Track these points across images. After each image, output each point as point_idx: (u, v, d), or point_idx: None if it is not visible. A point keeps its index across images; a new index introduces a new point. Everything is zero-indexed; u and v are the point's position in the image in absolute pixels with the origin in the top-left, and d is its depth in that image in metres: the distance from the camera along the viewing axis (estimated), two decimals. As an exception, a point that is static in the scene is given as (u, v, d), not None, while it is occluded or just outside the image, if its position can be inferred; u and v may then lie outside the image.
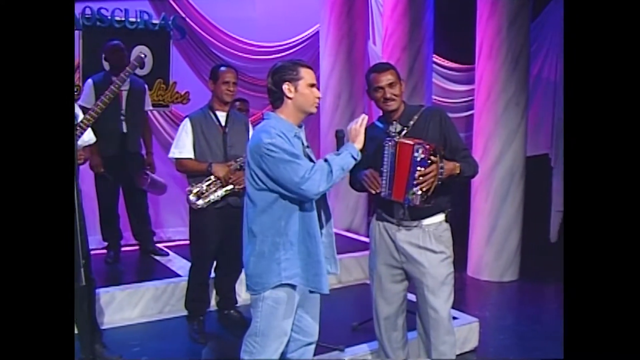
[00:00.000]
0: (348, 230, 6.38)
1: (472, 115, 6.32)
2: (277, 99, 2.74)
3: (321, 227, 2.83)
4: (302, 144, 2.77)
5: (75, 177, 2.19)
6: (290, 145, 2.64)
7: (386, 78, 3.14)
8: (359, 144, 2.72)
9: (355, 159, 2.70)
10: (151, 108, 5.45)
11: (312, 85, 2.72)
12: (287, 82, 2.70)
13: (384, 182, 3.10)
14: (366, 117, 2.76)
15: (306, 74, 2.72)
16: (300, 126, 2.80)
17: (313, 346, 2.97)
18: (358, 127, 2.73)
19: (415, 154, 2.98)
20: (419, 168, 2.98)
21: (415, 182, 2.99)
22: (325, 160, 2.63)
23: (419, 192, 3.00)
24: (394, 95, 3.14)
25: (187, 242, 4.16)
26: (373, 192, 3.12)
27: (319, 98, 2.75)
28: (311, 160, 2.78)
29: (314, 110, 2.76)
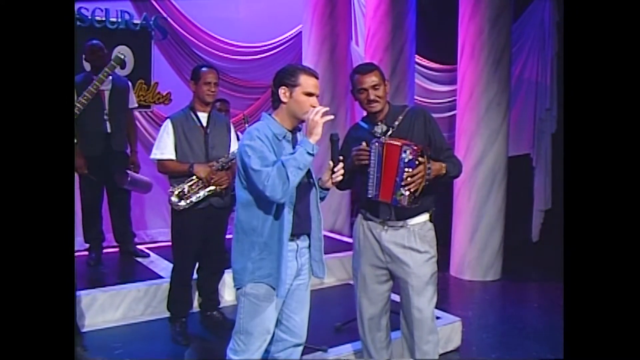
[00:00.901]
0: (331, 231, 6.37)
1: (454, 115, 6.34)
2: (274, 101, 2.76)
3: (312, 230, 2.87)
4: (295, 148, 2.77)
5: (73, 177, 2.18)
6: (269, 149, 2.64)
7: (370, 80, 3.13)
8: (315, 136, 2.62)
9: (311, 154, 2.62)
10: (136, 106, 5.38)
11: (309, 94, 2.69)
12: (283, 86, 2.70)
13: (370, 183, 3.10)
14: (326, 110, 2.66)
15: (305, 81, 2.69)
16: (296, 130, 2.81)
17: (301, 348, 2.96)
18: (317, 118, 2.62)
19: (403, 155, 2.98)
20: (406, 169, 2.98)
21: (403, 183, 3.00)
22: (282, 163, 2.59)
23: (407, 193, 3.01)
24: (378, 97, 3.14)
25: (170, 243, 4.14)
26: (365, 162, 3.09)
27: (314, 107, 2.69)
28: None
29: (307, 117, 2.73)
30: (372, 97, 3.13)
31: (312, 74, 2.74)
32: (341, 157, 2.89)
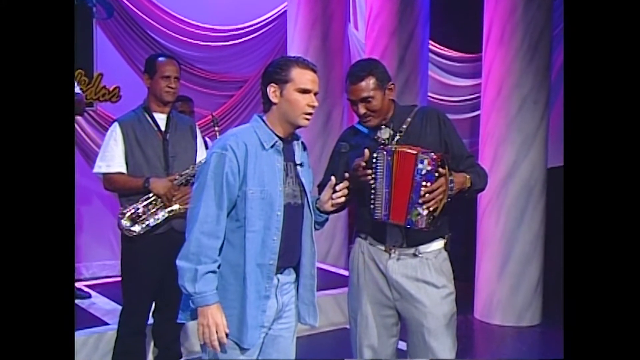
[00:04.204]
0: (323, 262, 6.38)
1: (478, 116, 6.38)
2: (265, 102, 2.82)
3: (302, 264, 2.91)
4: (289, 159, 2.82)
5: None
6: (236, 167, 2.69)
7: (359, 90, 3.16)
8: (201, 319, 2.72)
9: (191, 304, 2.75)
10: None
11: (304, 91, 2.75)
12: (273, 84, 2.76)
13: (377, 201, 3.12)
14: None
15: (298, 76, 2.75)
16: (292, 139, 2.86)
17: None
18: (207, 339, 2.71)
19: (420, 166, 3.01)
20: (424, 183, 3.01)
21: (420, 201, 3.03)
22: (197, 264, 2.67)
23: (425, 212, 3.03)
24: (371, 111, 3.18)
25: (118, 279, 4.14)
26: (371, 178, 3.09)
27: (312, 107, 2.76)
28: (301, 183, 2.85)
29: (303, 122, 2.78)
30: (361, 111, 3.19)
31: (308, 66, 2.80)
32: (347, 174, 2.92)
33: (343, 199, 2.90)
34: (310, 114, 2.77)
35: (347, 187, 2.91)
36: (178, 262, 2.71)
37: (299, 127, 2.81)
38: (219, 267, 2.73)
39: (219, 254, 2.72)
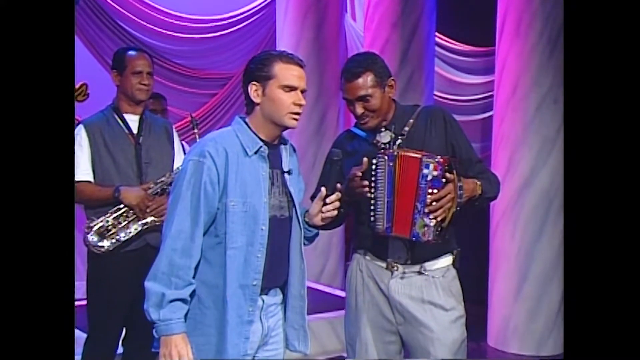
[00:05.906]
0: (317, 282, 6.37)
1: (490, 118, 6.39)
2: (247, 103, 2.83)
3: (289, 283, 2.90)
4: (275, 166, 2.83)
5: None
6: (216, 176, 2.69)
7: (356, 88, 3.17)
8: (165, 346, 2.71)
9: (154, 333, 2.75)
10: None
11: (288, 88, 2.75)
12: (254, 82, 2.77)
13: (379, 211, 3.12)
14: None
15: (281, 72, 2.75)
16: (278, 143, 2.87)
17: None
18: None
19: (425, 171, 3.02)
20: (430, 190, 3.02)
21: (426, 210, 3.03)
22: (177, 285, 2.67)
23: (432, 223, 3.03)
24: (369, 111, 3.19)
25: (83, 302, 4.12)
26: (370, 194, 3.12)
27: (299, 106, 2.77)
28: (288, 193, 2.86)
29: (289, 122, 2.78)
30: (358, 111, 3.20)
31: (293, 60, 2.80)
32: (339, 185, 2.93)
33: (334, 212, 2.90)
34: (297, 113, 2.78)
35: (340, 200, 2.90)
36: (146, 283, 2.72)
37: (286, 128, 2.81)
38: (194, 291, 2.72)
39: (195, 275, 2.71)
